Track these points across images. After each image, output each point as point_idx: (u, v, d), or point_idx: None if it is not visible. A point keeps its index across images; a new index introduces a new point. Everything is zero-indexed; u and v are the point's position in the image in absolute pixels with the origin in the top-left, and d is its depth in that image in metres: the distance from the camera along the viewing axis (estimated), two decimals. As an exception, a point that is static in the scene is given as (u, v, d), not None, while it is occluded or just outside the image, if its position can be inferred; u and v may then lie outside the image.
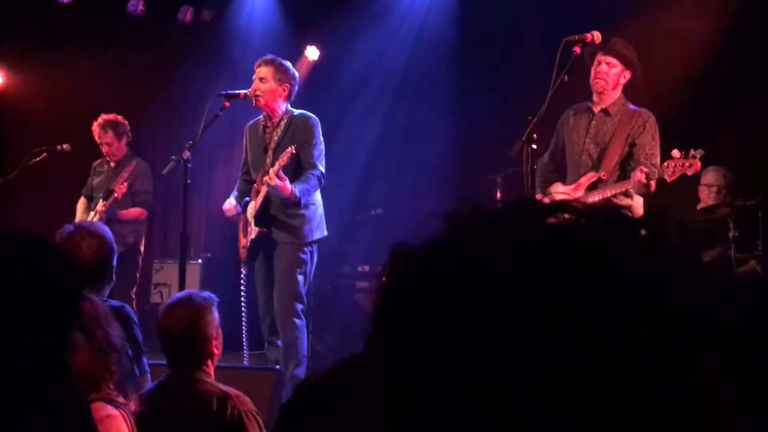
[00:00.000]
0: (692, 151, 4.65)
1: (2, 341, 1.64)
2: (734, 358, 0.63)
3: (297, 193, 5.13)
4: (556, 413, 0.60)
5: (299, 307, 5.30)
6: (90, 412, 2.08)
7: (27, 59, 8.36)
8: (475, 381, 0.62)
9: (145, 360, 3.56)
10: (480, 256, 0.64)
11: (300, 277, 5.29)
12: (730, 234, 5.79)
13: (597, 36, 4.70)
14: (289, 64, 5.49)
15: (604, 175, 4.99)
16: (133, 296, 6.76)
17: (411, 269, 0.68)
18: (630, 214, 0.67)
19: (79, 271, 3.32)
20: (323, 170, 5.35)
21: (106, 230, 3.56)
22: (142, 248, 6.98)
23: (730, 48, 6.58)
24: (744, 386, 0.62)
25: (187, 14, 8.59)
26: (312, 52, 8.26)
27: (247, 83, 5.44)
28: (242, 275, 5.56)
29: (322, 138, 5.42)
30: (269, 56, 5.48)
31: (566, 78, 4.58)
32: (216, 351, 3.12)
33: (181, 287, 5.17)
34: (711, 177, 6.40)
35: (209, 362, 3.09)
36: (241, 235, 5.51)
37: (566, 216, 0.66)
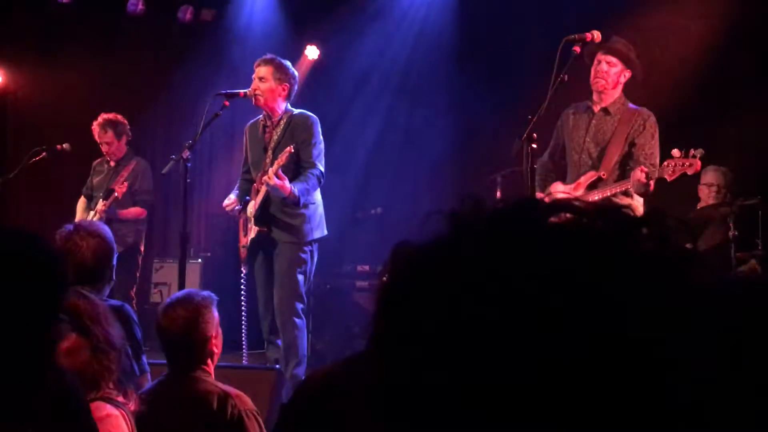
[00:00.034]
0: (692, 151, 4.65)
1: None
2: (734, 358, 0.63)
3: (296, 193, 5.12)
4: (557, 413, 0.60)
5: (299, 306, 5.29)
6: (90, 411, 2.08)
7: (27, 58, 8.36)
8: (476, 381, 0.62)
9: (145, 359, 3.56)
10: (482, 255, 0.64)
11: (300, 277, 5.29)
12: (730, 233, 5.79)
13: (597, 35, 4.70)
14: (288, 63, 5.49)
15: (603, 175, 4.98)
16: (133, 296, 6.76)
17: (412, 268, 0.67)
18: (631, 214, 0.67)
19: (77, 270, 3.33)
20: (323, 169, 5.35)
21: (106, 230, 3.56)
22: (142, 248, 6.98)
23: (730, 47, 6.58)
24: (744, 386, 0.62)
25: (187, 13, 8.59)
26: (312, 52, 8.26)
27: (247, 82, 5.44)
28: (242, 275, 5.56)
29: (321, 137, 5.42)
30: (269, 55, 5.48)
31: (566, 77, 4.57)
32: (216, 350, 3.12)
33: (181, 286, 5.17)
34: (711, 176, 6.40)
35: (209, 361, 3.09)
36: (241, 235, 5.51)
37: (567, 215, 0.66)
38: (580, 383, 0.60)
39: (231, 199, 5.50)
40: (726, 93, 6.72)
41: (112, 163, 6.95)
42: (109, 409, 2.44)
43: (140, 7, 8.41)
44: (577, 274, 0.62)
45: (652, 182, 4.71)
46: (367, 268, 7.74)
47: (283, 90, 5.39)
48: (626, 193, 4.89)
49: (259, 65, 5.42)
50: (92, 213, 6.66)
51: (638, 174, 4.68)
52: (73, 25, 8.36)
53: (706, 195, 6.44)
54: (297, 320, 5.28)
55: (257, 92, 5.34)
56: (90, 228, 3.50)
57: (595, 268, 0.63)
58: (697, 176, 6.30)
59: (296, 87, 5.50)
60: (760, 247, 5.88)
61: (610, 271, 0.63)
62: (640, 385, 0.60)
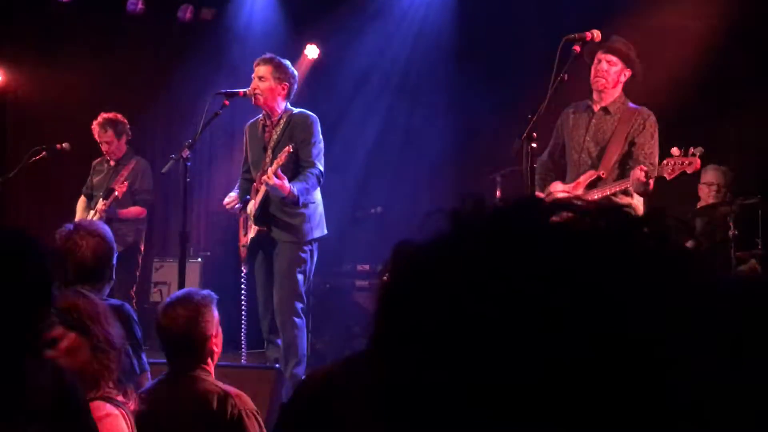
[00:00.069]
0: (691, 149, 4.65)
1: None
2: (734, 357, 0.63)
3: (295, 192, 5.12)
4: (558, 413, 0.60)
5: (299, 306, 5.29)
6: (89, 411, 2.08)
7: (27, 57, 8.37)
8: (477, 381, 0.62)
9: (145, 358, 3.56)
10: (483, 254, 0.64)
11: (300, 276, 5.29)
12: (730, 233, 5.79)
13: (597, 34, 4.70)
14: (288, 62, 5.49)
15: (603, 174, 4.98)
16: (133, 295, 6.76)
17: (413, 267, 0.67)
18: (632, 213, 0.67)
19: (77, 270, 3.33)
20: (322, 169, 5.35)
21: (106, 229, 3.56)
22: (142, 247, 6.98)
23: (730, 46, 6.58)
24: (744, 385, 0.62)
25: (186, 12, 8.59)
26: (312, 51, 8.26)
27: (247, 82, 5.44)
28: (242, 274, 5.56)
29: (321, 136, 5.42)
30: (268, 55, 5.48)
31: (566, 76, 4.57)
32: (216, 349, 3.12)
33: (181, 286, 5.17)
34: (711, 176, 6.41)
35: (209, 361, 3.09)
36: (241, 234, 5.51)
37: (569, 214, 0.66)
38: (581, 383, 0.60)
39: (231, 197, 5.50)
40: (726, 93, 6.73)
41: (112, 163, 6.95)
42: (109, 408, 2.44)
43: (140, 6, 8.41)
44: (578, 273, 0.62)
45: (651, 181, 4.71)
46: (367, 267, 7.74)
47: (283, 89, 5.39)
48: (626, 193, 4.89)
49: (258, 64, 5.42)
50: (92, 212, 6.67)
51: (637, 173, 4.68)
52: (72, 24, 8.36)
53: (706, 194, 6.44)
54: (296, 320, 5.28)
55: (257, 91, 5.34)
56: (90, 227, 3.50)
57: (596, 267, 0.63)
58: (697, 175, 6.30)
59: (296, 86, 5.50)
60: (760, 247, 5.88)
61: (611, 270, 0.63)
62: (641, 385, 0.60)
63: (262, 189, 5.25)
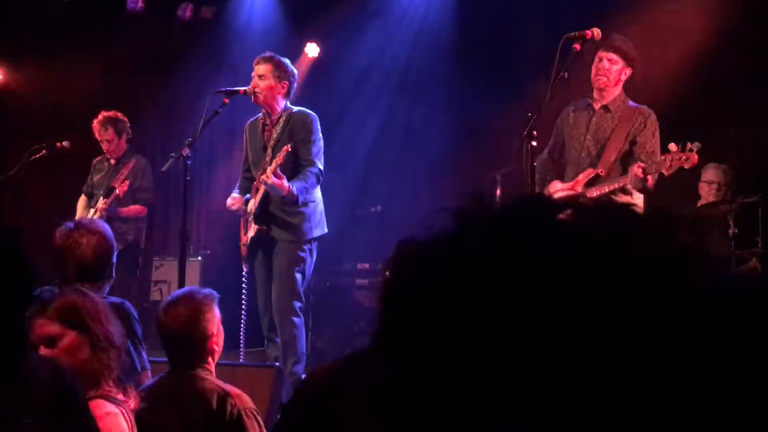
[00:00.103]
0: (689, 145, 4.66)
1: None
2: (734, 356, 0.62)
3: (295, 191, 5.12)
4: (559, 412, 0.60)
5: (297, 304, 5.29)
6: (89, 410, 2.08)
7: (26, 56, 8.36)
8: (478, 379, 0.62)
9: (145, 356, 3.55)
10: (487, 253, 0.64)
11: (298, 275, 5.29)
12: (730, 231, 5.79)
13: (597, 33, 4.69)
14: (287, 61, 5.49)
15: (601, 172, 4.98)
16: (133, 293, 6.76)
17: (416, 265, 0.67)
18: (636, 211, 0.67)
19: (78, 268, 3.33)
20: (322, 167, 5.34)
21: (106, 227, 3.56)
22: (142, 245, 6.98)
23: (730, 45, 6.57)
24: (743, 385, 0.62)
25: (186, 11, 8.59)
26: (312, 49, 8.26)
27: (247, 80, 5.44)
28: (243, 273, 5.56)
29: (321, 135, 5.42)
30: (268, 53, 5.48)
31: (566, 74, 4.57)
32: (216, 348, 3.11)
33: (181, 284, 5.17)
34: (711, 174, 6.41)
35: (209, 360, 3.09)
36: (242, 233, 5.51)
37: (572, 213, 0.66)
38: (582, 382, 0.60)
39: (234, 198, 5.49)
40: (726, 92, 6.72)
41: (113, 161, 6.95)
42: (109, 407, 2.44)
43: (140, 4, 8.41)
44: (580, 273, 0.62)
45: (650, 178, 4.71)
46: (367, 265, 7.74)
47: (283, 88, 5.39)
48: (625, 191, 4.89)
49: (258, 63, 5.42)
50: (92, 211, 6.67)
51: (635, 169, 4.69)
52: (72, 22, 8.35)
53: (707, 192, 6.44)
54: (295, 318, 5.28)
55: (257, 90, 5.34)
56: (90, 225, 3.50)
57: (598, 267, 0.63)
58: (697, 174, 6.31)
59: (296, 85, 5.50)
60: (760, 245, 5.88)
61: (612, 270, 0.63)
62: (641, 384, 0.60)
63: (262, 188, 5.25)
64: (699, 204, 6.43)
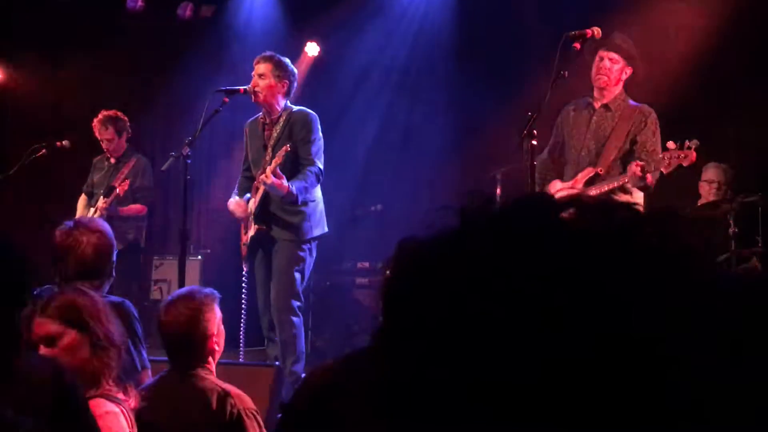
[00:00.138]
0: (687, 142, 4.66)
1: None
2: (734, 355, 0.62)
3: (294, 191, 5.12)
4: (559, 412, 0.60)
5: (296, 304, 5.29)
6: (89, 409, 2.08)
7: (26, 55, 8.36)
8: (479, 378, 0.61)
9: (145, 355, 3.55)
10: (488, 252, 0.64)
11: (297, 275, 5.29)
12: (731, 230, 5.79)
13: (597, 31, 4.69)
14: (287, 60, 5.49)
15: (601, 171, 4.98)
16: (133, 292, 6.76)
17: (417, 263, 0.67)
18: (639, 210, 0.67)
19: (78, 266, 3.33)
20: (321, 167, 5.34)
21: (106, 226, 3.56)
22: (142, 245, 6.98)
23: (731, 44, 6.57)
24: (743, 384, 0.62)
25: (186, 10, 8.58)
26: (312, 48, 8.26)
27: (247, 79, 5.44)
28: (243, 272, 5.56)
29: (321, 134, 5.42)
30: (268, 53, 5.48)
31: (566, 73, 4.57)
32: (217, 348, 3.11)
33: (181, 283, 5.18)
34: (712, 173, 6.41)
35: (210, 359, 3.09)
36: (242, 232, 5.51)
37: (574, 212, 0.66)
38: (583, 382, 0.60)
39: (236, 202, 5.43)
40: (726, 93, 6.72)
41: (113, 160, 6.95)
42: (109, 406, 2.44)
43: (140, 3, 8.41)
44: (581, 272, 0.62)
45: (650, 176, 4.71)
46: (367, 264, 7.74)
47: (283, 87, 5.39)
48: (625, 190, 4.89)
49: (258, 62, 5.42)
50: (93, 210, 6.67)
51: (633, 167, 4.70)
52: (72, 21, 8.35)
53: (707, 192, 6.44)
54: (293, 318, 5.27)
55: (257, 89, 5.34)
56: (90, 224, 3.50)
57: (599, 266, 0.63)
58: (698, 173, 6.31)
59: (296, 84, 5.50)
60: (760, 244, 5.88)
61: (613, 269, 0.63)
62: (642, 384, 0.60)
63: (262, 187, 5.24)
64: (699, 203, 6.43)
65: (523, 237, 0.64)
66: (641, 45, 5.19)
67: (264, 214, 5.32)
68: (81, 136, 7.11)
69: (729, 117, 6.62)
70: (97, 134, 6.89)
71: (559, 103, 5.18)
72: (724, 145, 6.46)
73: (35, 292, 3.13)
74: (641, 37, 5.37)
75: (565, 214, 0.66)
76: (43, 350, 2.43)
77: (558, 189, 5.06)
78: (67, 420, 1.91)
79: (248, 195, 5.44)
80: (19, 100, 8.47)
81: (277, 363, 4.97)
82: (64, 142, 7.04)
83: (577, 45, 4.63)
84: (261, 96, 5.35)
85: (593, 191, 4.91)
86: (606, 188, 4.89)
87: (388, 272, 0.68)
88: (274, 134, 5.39)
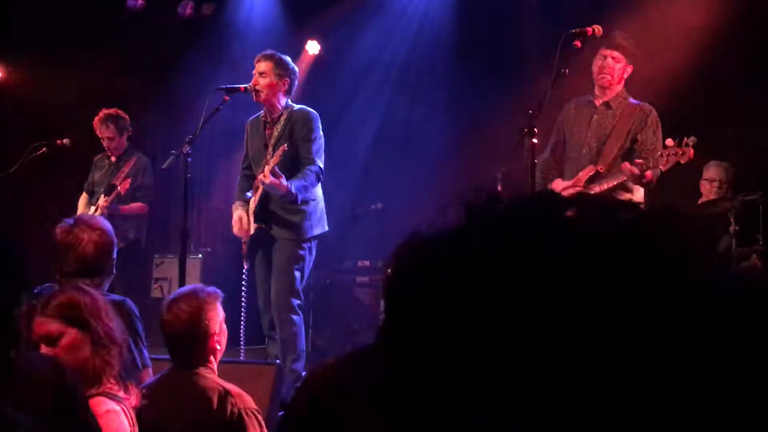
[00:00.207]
0: (685, 139, 4.67)
1: None
2: (734, 355, 0.62)
3: (293, 190, 5.11)
4: (560, 410, 0.60)
5: (295, 302, 5.29)
6: (89, 408, 2.08)
7: (27, 53, 8.35)
8: (481, 377, 0.61)
9: (146, 354, 3.55)
10: (492, 250, 0.64)
11: (297, 273, 5.29)
12: (731, 228, 5.79)
13: (598, 29, 4.68)
14: (288, 58, 5.49)
15: (601, 169, 4.98)
16: (134, 291, 6.76)
17: (422, 260, 0.67)
18: (639, 210, 0.67)
19: (78, 263, 3.33)
20: (322, 166, 5.34)
21: (107, 223, 3.56)
22: (143, 243, 6.98)
23: (731, 44, 6.57)
24: (743, 383, 0.62)
25: (187, 8, 8.58)
26: (313, 47, 8.25)
27: (247, 78, 5.44)
28: (244, 270, 5.55)
29: (321, 133, 5.41)
30: (269, 51, 5.47)
31: (566, 71, 4.57)
32: (219, 347, 3.11)
33: (182, 282, 5.17)
34: (713, 172, 6.41)
35: (211, 358, 3.08)
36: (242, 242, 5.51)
37: (577, 212, 0.66)
38: (584, 381, 0.60)
39: (237, 224, 5.41)
40: (726, 92, 6.72)
41: (113, 159, 6.95)
42: (110, 404, 2.44)
43: (140, 2, 8.41)
44: (583, 271, 0.62)
45: (649, 172, 4.72)
46: (367, 263, 7.74)
47: (284, 85, 5.39)
48: (626, 189, 4.89)
49: (259, 60, 5.42)
50: (93, 208, 6.66)
51: (629, 166, 4.71)
52: (73, 20, 8.34)
53: (708, 190, 6.44)
54: (294, 316, 5.27)
55: (257, 87, 5.34)
56: (91, 221, 3.50)
57: (601, 266, 0.63)
58: (699, 172, 6.31)
59: (297, 82, 5.49)
60: (760, 243, 5.89)
61: (615, 269, 0.63)
62: (642, 384, 0.60)
63: (261, 186, 5.24)
64: (700, 201, 6.43)
65: (527, 236, 0.64)
66: (641, 44, 5.18)
67: (264, 212, 5.32)
68: (81, 134, 7.10)
69: (729, 117, 6.61)
70: (97, 133, 6.89)
71: (559, 102, 5.17)
72: (724, 144, 6.46)
73: (35, 291, 3.13)
74: (641, 37, 5.37)
75: (569, 213, 0.66)
76: (44, 349, 2.43)
77: (560, 188, 5.05)
78: (67, 419, 1.91)
79: (249, 193, 5.44)
80: (20, 98, 8.47)
81: (277, 361, 4.97)
82: (64, 141, 7.03)
83: (578, 43, 4.63)
84: (262, 94, 5.34)
85: (594, 189, 4.91)
86: (606, 186, 4.89)
87: (390, 270, 0.69)
88: (275, 133, 5.38)
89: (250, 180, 5.50)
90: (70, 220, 3.47)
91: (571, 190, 4.91)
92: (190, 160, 5.21)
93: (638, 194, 4.89)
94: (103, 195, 6.64)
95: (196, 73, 8.08)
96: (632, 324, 0.61)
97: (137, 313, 3.55)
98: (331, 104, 7.48)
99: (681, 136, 4.73)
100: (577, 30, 4.65)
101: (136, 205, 6.81)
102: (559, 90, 4.67)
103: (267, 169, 5.06)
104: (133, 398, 2.55)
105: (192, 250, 7.75)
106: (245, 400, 2.98)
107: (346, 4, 8.19)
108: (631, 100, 5.09)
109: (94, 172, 6.99)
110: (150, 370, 3.49)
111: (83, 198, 6.99)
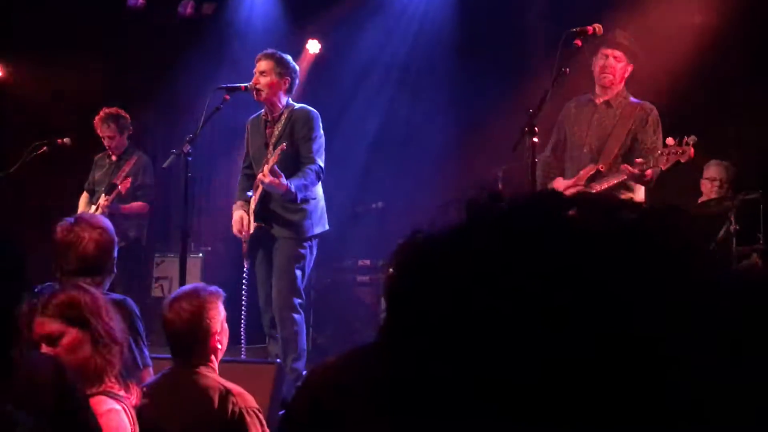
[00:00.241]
0: (686, 138, 4.67)
1: None
2: (734, 355, 0.62)
3: (293, 189, 5.11)
4: (561, 410, 0.60)
5: (296, 301, 5.29)
6: (89, 408, 2.09)
7: (28, 52, 8.35)
8: (482, 376, 0.62)
9: (147, 353, 3.55)
10: (495, 249, 0.64)
11: (298, 272, 5.28)
12: (732, 228, 5.79)
13: (599, 28, 4.68)
14: (289, 57, 5.48)
15: (602, 167, 4.98)
16: (135, 290, 6.76)
17: (423, 258, 0.67)
18: (640, 209, 0.67)
19: (79, 262, 3.33)
20: (322, 165, 5.33)
21: (107, 222, 3.56)
22: (144, 242, 6.98)
23: (731, 43, 6.57)
24: (743, 383, 0.62)
25: (187, 7, 8.58)
26: (313, 46, 8.25)
27: (248, 77, 5.44)
28: (244, 269, 5.55)
29: (322, 132, 5.41)
30: (270, 50, 5.47)
31: (567, 70, 4.57)
32: (220, 346, 3.11)
33: (182, 281, 5.17)
34: (713, 171, 6.41)
35: (213, 357, 3.09)
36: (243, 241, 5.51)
37: (578, 211, 0.66)
38: (585, 381, 0.60)
39: (237, 223, 5.41)
40: (726, 92, 6.72)
41: (114, 158, 6.95)
42: (111, 403, 2.44)
43: (141, 1, 8.40)
44: (584, 271, 0.62)
45: (650, 172, 4.72)
46: (368, 262, 7.74)
47: (284, 84, 5.38)
48: (627, 188, 4.89)
49: (260, 59, 5.41)
50: (94, 207, 6.66)
51: (628, 166, 4.72)
52: (73, 19, 8.34)
53: (709, 189, 6.44)
54: (295, 315, 5.27)
55: (258, 86, 5.33)
56: (91, 220, 3.50)
57: (602, 265, 0.63)
58: (699, 171, 6.31)
59: (297, 81, 5.49)
60: (761, 242, 5.89)
61: (616, 268, 0.63)
62: (642, 384, 0.60)
63: (261, 185, 5.24)
64: (700, 201, 6.43)
65: (528, 235, 0.64)
66: (642, 43, 5.18)
67: (264, 211, 5.31)
68: (82, 133, 7.10)
69: (729, 116, 6.61)
70: (98, 132, 6.88)
71: (560, 101, 5.17)
72: (724, 143, 6.46)
73: (36, 290, 3.13)
74: (642, 36, 5.36)
75: (573, 213, 0.66)
76: (44, 349, 2.43)
77: (561, 188, 5.05)
78: (68, 419, 1.91)
79: (250, 193, 5.44)
80: (20, 97, 8.47)
81: (278, 360, 4.97)
82: (65, 140, 7.03)
83: (578, 42, 4.62)
84: (263, 93, 5.34)
85: (595, 188, 4.91)
86: (606, 185, 4.89)
87: (391, 269, 0.69)
88: (276, 132, 5.38)
89: (250, 179, 5.50)
90: (71, 219, 3.47)
91: (572, 189, 4.91)
92: (190, 159, 5.21)
93: (639, 193, 4.90)
94: (103, 194, 6.64)
95: (196, 72, 8.08)
96: (632, 324, 0.61)
97: (138, 312, 3.55)
98: (332, 103, 7.47)
99: (681, 135, 4.73)
100: (578, 29, 4.64)
101: (136, 204, 6.81)
102: (559, 89, 4.67)
103: (266, 168, 5.06)
104: (134, 397, 2.55)
105: (192, 249, 7.75)
106: (246, 399, 2.98)
107: (347, 3, 8.19)
108: (632, 99, 5.09)
109: (95, 171, 6.99)
110: (150, 369, 3.49)
111: (84, 197, 6.99)
